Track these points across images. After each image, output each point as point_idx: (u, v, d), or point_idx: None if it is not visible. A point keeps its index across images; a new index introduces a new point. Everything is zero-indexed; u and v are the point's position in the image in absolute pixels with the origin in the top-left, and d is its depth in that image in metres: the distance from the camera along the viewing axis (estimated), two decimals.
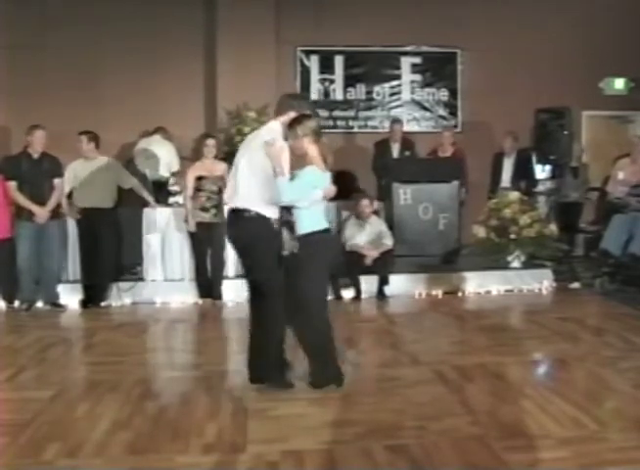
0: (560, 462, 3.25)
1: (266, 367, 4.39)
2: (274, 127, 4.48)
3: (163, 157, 8.36)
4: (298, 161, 4.35)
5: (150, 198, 7.79)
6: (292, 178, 4.23)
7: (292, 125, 4.32)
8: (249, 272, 4.52)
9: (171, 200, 8.00)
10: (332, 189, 4.50)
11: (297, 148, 4.30)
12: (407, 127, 10.28)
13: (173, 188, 8.11)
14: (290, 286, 4.33)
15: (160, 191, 8.11)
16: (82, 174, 7.46)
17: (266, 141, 4.26)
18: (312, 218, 4.34)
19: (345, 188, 9.65)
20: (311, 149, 4.31)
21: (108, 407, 4.10)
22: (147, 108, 9.66)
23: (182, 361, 5.39)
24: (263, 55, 9.85)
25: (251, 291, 4.50)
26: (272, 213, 4.35)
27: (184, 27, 10.07)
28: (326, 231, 4.43)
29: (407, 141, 9.55)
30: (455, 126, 10.78)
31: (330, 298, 7.51)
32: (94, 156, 7.55)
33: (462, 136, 10.52)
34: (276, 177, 4.17)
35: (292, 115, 4.42)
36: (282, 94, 4.76)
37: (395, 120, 9.72)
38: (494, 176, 9.45)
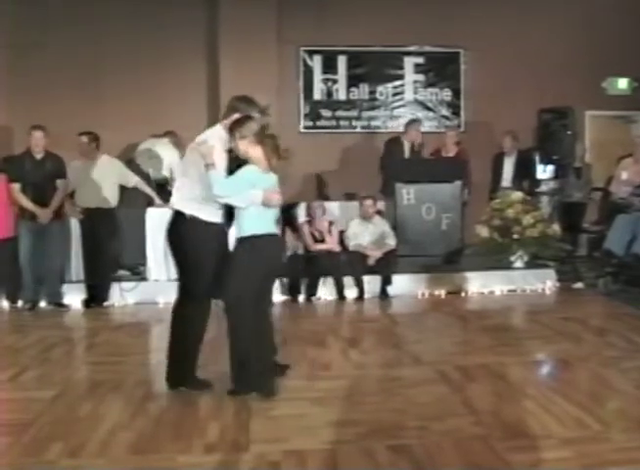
0: (563, 462, 3.25)
1: (184, 370, 4.40)
2: (215, 131, 4.43)
3: (166, 158, 8.35)
4: (242, 163, 4.28)
5: (154, 195, 7.80)
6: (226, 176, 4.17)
7: (231, 128, 4.27)
8: (180, 273, 4.47)
9: None
10: (275, 197, 4.27)
11: (237, 150, 4.26)
12: None
13: None
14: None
15: (163, 191, 8.10)
16: (84, 174, 7.47)
17: (197, 142, 4.23)
18: (254, 220, 4.21)
19: (324, 190, 9.71)
20: (253, 150, 4.24)
21: (110, 407, 4.10)
22: (149, 107, 9.68)
23: None
24: (266, 55, 9.85)
25: (178, 292, 4.48)
26: (208, 217, 4.26)
27: (186, 26, 10.07)
28: (268, 236, 4.28)
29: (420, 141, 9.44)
30: (458, 126, 10.78)
31: (333, 298, 7.63)
32: (95, 156, 7.56)
33: (465, 136, 10.49)
34: (207, 171, 4.09)
35: (234, 117, 4.36)
36: (231, 97, 4.65)
37: (415, 121, 9.59)
38: (495, 176, 9.43)
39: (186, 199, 4.30)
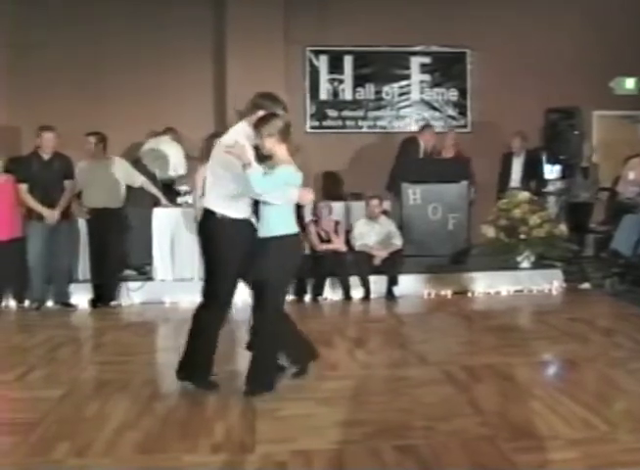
0: (569, 463, 3.24)
1: (193, 366, 4.46)
2: (240, 128, 4.46)
3: (172, 157, 8.39)
4: (267, 160, 4.33)
5: (160, 195, 7.83)
6: (264, 174, 4.22)
7: (257, 125, 4.29)
8: (207, 271, 4.54)
9: (180, 200, 8.02)
10: (309, 196, 4.43)
11: (262, 148, 4.28)
12: (416, 127, 10.28)
13: (183, 188, 8.13)
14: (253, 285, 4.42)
15: (169, 191, 8.13)
16: (91, 175, 7.49)
17: (226, 146, 4.25)
18: (285, 219, 4.30)
19: (331, 190, 9.71)
20: (279, 149, 4.26)
21: (117, 407, 4.11)
22: (155, 107, 9.66)
23: None
24: (272, 54, 9.83)
25: (202, 293, 4.54)
26: (238, 213, 4.34)
27: (192, 26, 10.05)
28: (297, 235, 4.41)
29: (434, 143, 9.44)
30: (464, 126, 10.78)
31: (339, 298, 7.63)
32: (102, 156, 7.57)
33: (471, 136, 10.52)
34: (245, 170, 4.11)
35: (259, 114, 4.39)
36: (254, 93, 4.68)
37: (429, 126, 9.58)
38: (503, 176, 9.41)
39: (217, 198, 4.35)
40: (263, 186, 4.13)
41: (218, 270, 4.36)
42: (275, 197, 4.20)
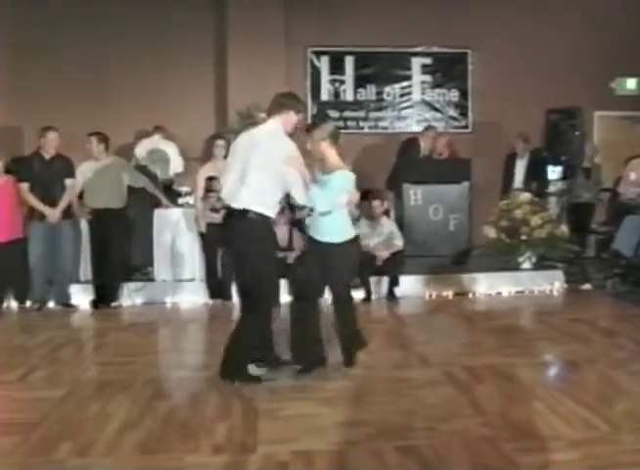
0: (571, 464, 3.24)
1: (235, 363, 4.53)
2: (276, 129, 4.48)
3: (172, 157, 8.41)
4: (317, 164, 4.41)
5: (161, 195, 7.83)
6: (318, 183, 4.31)
7: (309, 130, 4.38)
8: (240, 273, 4.64)
9: (181, 200, 8.03)
10: (356, 195, 4.63)
11: (315, 152, 4.34)
12: (417, 128, 10.29)
13: (184, 189, 8.14)
14: (316, 289, 4.71)
15: (170, 192, 8.14)
16: (92, 175, 7.48)
17: (287, 156, 4.27)
18: (343, 225, 4.49)
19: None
20: (330, 153, 4.34)
21: (118, 407, 4.11)
22: (156, 109, 9.65)
23: (192, 362, 5.41)
24: (273, 56, 9.84)
25: (241, 290, 4.70)
26: (273, 213, 4.48)
27: (193, 29, 10.05)
28: (355, 238, 4.65)
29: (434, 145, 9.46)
30: (465, 127, 10.79)
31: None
32: (104, 157, 7.58)
33: (473, 136, 10.51)
34: (308, 187, 4.28)
35: (284, 113, 4.47)
36: (275, 93, 4.75)
37: (432, 127, 9.62)
38: (506, 178, 9.41)
39: (260, 203, 4.39)
40: (328, 206, 4.33)
41: (261, 268, 4.46)
42: (326, 205, 4.35)
